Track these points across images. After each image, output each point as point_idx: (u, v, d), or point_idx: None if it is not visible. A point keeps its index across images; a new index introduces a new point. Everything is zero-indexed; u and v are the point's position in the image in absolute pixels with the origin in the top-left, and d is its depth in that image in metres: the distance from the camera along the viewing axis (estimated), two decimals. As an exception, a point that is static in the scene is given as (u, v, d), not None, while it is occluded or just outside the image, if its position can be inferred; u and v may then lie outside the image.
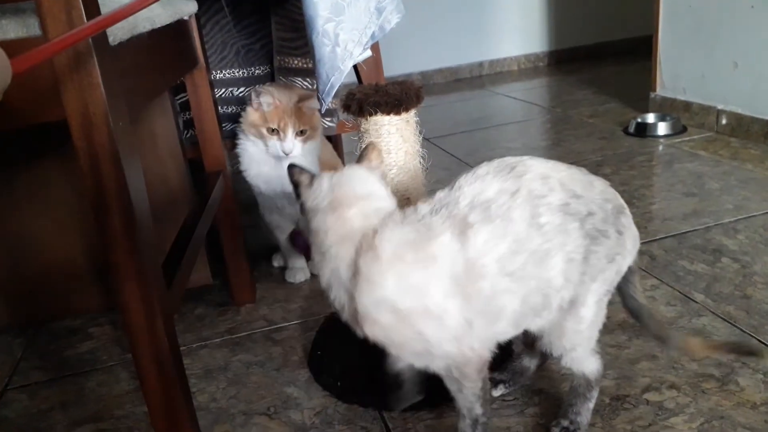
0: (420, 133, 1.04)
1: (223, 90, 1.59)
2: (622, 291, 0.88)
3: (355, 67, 1.41)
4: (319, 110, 1.36)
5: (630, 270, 0.85)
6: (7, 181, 1.33)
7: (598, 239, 0.76)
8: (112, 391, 1.14)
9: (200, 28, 1.27)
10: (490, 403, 0.85)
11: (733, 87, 2.09)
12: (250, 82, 1.60)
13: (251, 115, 1.34)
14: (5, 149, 1.30)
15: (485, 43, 3.76)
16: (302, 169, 0.81)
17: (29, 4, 0.67)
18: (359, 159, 0.84)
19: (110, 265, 0.73)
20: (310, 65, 1.54)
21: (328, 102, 1.27)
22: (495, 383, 0.99)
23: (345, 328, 0.79)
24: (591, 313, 0.81)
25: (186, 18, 1.18)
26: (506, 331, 0.78)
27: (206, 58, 1.28)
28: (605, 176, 0.86)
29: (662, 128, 2.21)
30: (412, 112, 1.01)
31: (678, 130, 2.21)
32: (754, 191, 1.65)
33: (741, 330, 1.09)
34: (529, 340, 0.96)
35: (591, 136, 2.32)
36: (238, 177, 1.42)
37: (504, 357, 1.02)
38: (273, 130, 1.32)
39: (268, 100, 1.31)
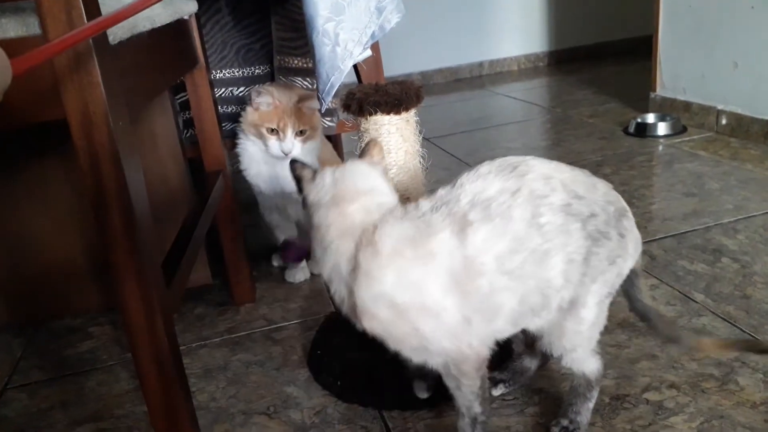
0: (420, 132, 1.04)
1: (223, 89, 1.59)
2: (628, 294, 0.88)
3: (355, 66, 1.41)
4: (319, 110, 1.36)
5: (634, 273, 0.85)
6: (7, 181, 1.33)
7: (600, 241, 0.76)
8: (111, 391, 1.14)
9: (200, 28, 1.27)
10: (490, 402, 0.85)
11: (733, 87, 2.09)
12: (250, 81, 1.60)
13: (251, 114, 1.34)
14: (5, 148, 1.30)
15: (485, 43, 3.76)
16: (304, 165, 0.82)
17: (29, 3, 0.67)
18: (361, 154, 0.84)
19: (110, 265, 0.73)
20: (310, 65, 1.54)
21: (328, 101, 1.27)
22: (495, 382, 0.99)
23: (345, 327, 0.80)
24: (592, 315, 0.81)
25: (186, 17, 1.18)
26: (504, 329, 0.79)
27: (206, 57, 1.28)
28: (605, 176, 0.87)
29: (662, 128, 2.21)
30: (412, 111, 1.01)
31: (678, 130, 2.21)
32: (754, 191, 1.65)
33: (741, 330, 1.09)
34: (530, 341, 0.96)
35: (591, 136, 2.32)
36: (238, 176, 1.42)
37: (504, 356, 1.03)
38: (272, 130, 1.32)
39: (268, 100, 1.31)
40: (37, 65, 0.51)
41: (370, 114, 0.98)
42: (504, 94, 3.27)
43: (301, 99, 1.32)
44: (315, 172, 0.81)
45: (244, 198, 1.54)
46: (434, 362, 0.79)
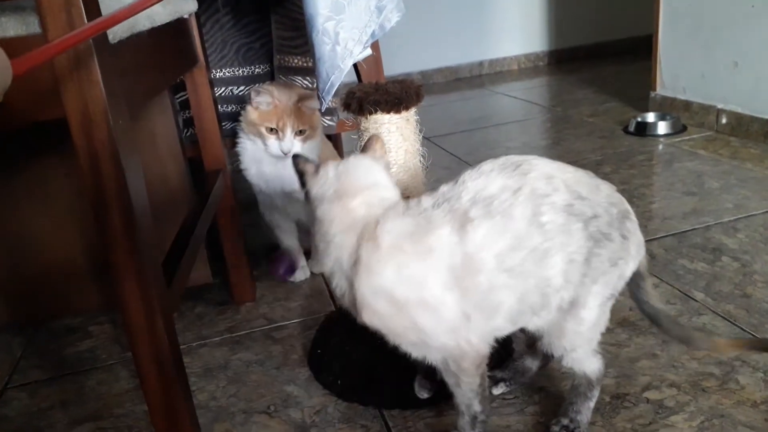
0: (420, 131, 1.04)
1: (223, 88, 1.59)
2: (636, 298, 0.88)
3: (355, 65, 1.41)
4: (319, 109, 1.36)
5: (641, 276, 0.85)
6: (7, 180, 1.33)
7: (602, 242, 0.76)
8: (111, 390, 1.14)
9: (200, 27, 1.27)
10: (490, 401, 0.85)
11: (733, 86, 2.09)
12: (250, 80, 1.60)
13: (251, 114, 1.34)
14: (5, 148, 1.30)
15: (485, 42, 3.76)
16: (307, 159, 0.83)
17: (29, 2, 0.67)
18: (364, 149, 0.85)
19: (110, 264, 0.73)
20: (310, 64, 1.54)
21: (328, 101, 1.27)
22: (495, 381, 0.99)
23: (345, 326, 0.80)
24: (592, 316, 0.81)
25: (186, 16, 1.18)
26: (504, 327, 0.79)
27: (206, 56, 1.28)
28: (605, 175, 0.87)
29: (662, 127, 2.21)
30: (412, 110, 1.01)
31: (678, 129, 2.21)
32: (754, 190, 1.65)
33: (741, 328, 1.09)
34: (531, 341, 0.96)
35: (591, 135, 2.32)
36: (238, 176, 1.42)
37: (505, 355, 1.03)
38: (272, 130, 1.31)
39: (267, 100, 1.31)
40: (37, 65, 0.51)
41: (370, 113, 0.98)
42: (504, 93, 3.27)
43: (301, 98, 1.32)
44: (318, 167, 0.81)
45: (244, 197, 1.54)
46: (433, 358, 0.79)
